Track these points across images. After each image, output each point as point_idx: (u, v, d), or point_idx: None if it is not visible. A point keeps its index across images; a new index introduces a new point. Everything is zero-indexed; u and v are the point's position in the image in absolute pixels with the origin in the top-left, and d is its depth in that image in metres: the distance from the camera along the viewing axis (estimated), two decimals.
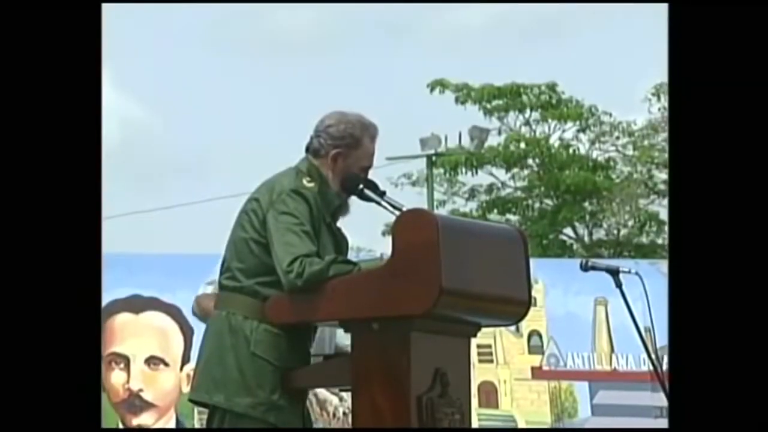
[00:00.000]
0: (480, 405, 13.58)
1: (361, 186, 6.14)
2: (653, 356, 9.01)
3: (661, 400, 8.26)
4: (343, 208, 6.23)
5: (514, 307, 6.34)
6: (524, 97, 27.66)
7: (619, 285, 7.69)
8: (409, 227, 5.92)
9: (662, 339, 15.15)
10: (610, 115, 27.88)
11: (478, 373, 13.54)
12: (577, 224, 28.25)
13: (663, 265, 16.97)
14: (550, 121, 27.86)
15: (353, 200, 6.25)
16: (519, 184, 28.36)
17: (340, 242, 6.17)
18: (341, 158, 6.15)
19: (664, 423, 9.57)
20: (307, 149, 6.20)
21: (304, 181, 6.08)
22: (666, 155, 27.48)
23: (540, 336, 14.89)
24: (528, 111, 27.83)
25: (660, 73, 27.45)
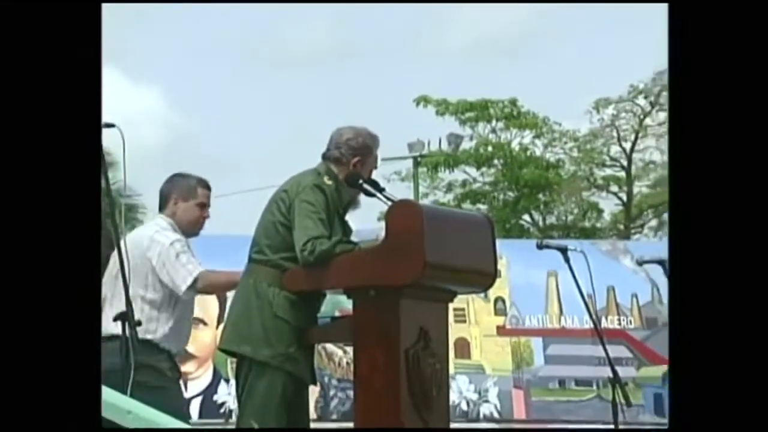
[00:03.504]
0: (456, 356, 13.58)
1: (360, 181, 6.17)
2: (594, 316, 9.01)
3: (599, 351, 8.22)
4: (354, 203, 6.25)
5: (483, 278, 6.34)
6: (491, 110, 27.62)
7: (567, 260, 7.68)
8: (400, 214, 5.92)
9: (601, 303, 15.20)
10: (560, 124, 27.88)
11: (454, 331, 13.53)
12: (533, 212, 28.24)
13: (602, 245, 17.02)
14: (511, 129, 27.83)
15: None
16: (487, 179, 28.32)
17: (347, 229, 6.19)
18: (359, 164, 6.19)
19: (603, 371, 9.56)
20: (326, 157, 6.21)
21: (325, 179, 6.12)
22: (604, 156, 27.47)
23: (504, 301, 14.87)
24: (494, 121, 27.79)
25: (599, 90, 27.45)
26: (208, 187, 6.77)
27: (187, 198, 6.69)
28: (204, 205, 6.74)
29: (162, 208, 6.73)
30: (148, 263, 6.49)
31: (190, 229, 6.71)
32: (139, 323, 6.20)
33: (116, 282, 6.31)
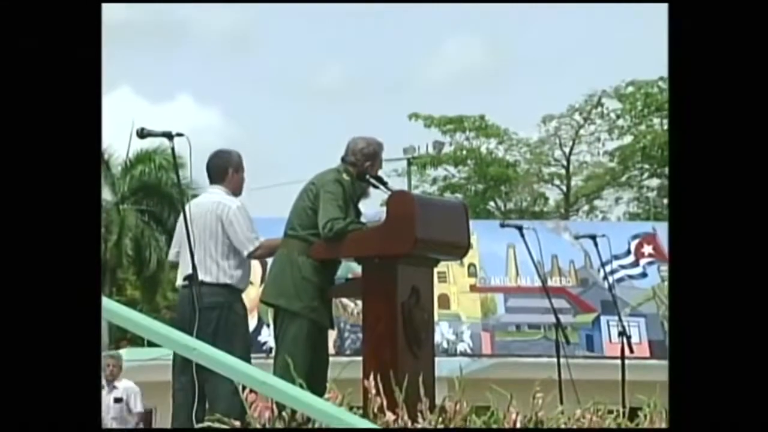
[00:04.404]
0: (439, 308, 13.53)
1: (369, 177, 6.15)
2: (542, 277, 8.99)
3: (546, 303, 8.19)
4: (365, 194, 6.22)
5: (459, 249, 6.30)
6: (465, 124, 27.50)
7: (522, 236, 7.66)
8: (397, 201, 5.88)
9: (547, 267, 15.14)
10: (516, 134, 27.73)
11: (438, 289, 13.44)
12: (497, 199, 28.18)
13: (548, 224, 17.00)
14: (480, 138, 27.73)
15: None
16: (462, 176, 28.20)
17: (358, 213, 6.15)
18: (370, 167, 6.15)
19: (548, 317, 9.54)
20: (345, 161, 6.16)
21: (344, 176, 6.06)
22: (549, 158, 27.40)
23: (475, 266, 14.85)
24: (467, 132, 27.68)
25: (545, 108, 27.36)
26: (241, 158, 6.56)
27: (238, 169, 6.43)
28: (244, 171, 6.52)
29: (219, 179, 6.38)
30: (218, 222, 6.25)
31: (239, 192, 6.45)
32: (203, 282, 6.12)
33: (186, 247, 6.24)
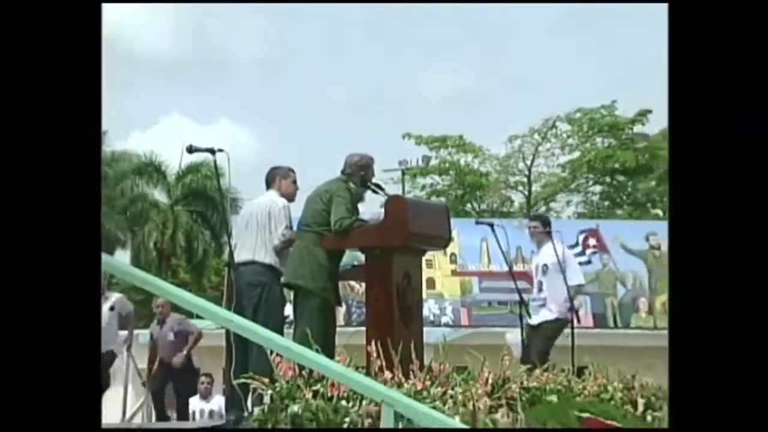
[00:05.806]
0: (426, 288, 13.54)
1: (369, 185, 6.14)
2: (508, 264, 8.96)
3: (512, 284, 8.18)
4: (362, 199, 6.21)
5: (443, 241, 6.29)
6: (448, 142, 27.43)
7: (493, 231, 7.66)
8: (394, 203, 5.86)
9: (512, 256, 15.11)
10: (489, 150, 27.66)
11: (425, 273, 13.47)
12: (473, 202, 28.12)
13: (513, 222, 16.99)
14: (460, 153, 27.67)
15: (368, 194, 6.24)
16: (445, 183, 28.14)
17: (359, 215, 6.14)
18: (364, 175, 6.15)
19: (513, 296, 9.49)
20: (344, 172, 6.15)
21: (350, 184, 6.07)
22: (514, 169, 27.34)
23: (456, 255, 14.84)
24: (450, 148, 27.62)
25: (512, 129, 27.28)
26: (294, 172, 6.60)
27: (286, 177, 6.49)
28: (295, 181, 6.54)
29: (270, 185, 6.48)
30: (268, 215, 6.30)
31: (290, 196, 6.48)
32: (236, 267, 6.13)
33: (243, 235, 6.28)
